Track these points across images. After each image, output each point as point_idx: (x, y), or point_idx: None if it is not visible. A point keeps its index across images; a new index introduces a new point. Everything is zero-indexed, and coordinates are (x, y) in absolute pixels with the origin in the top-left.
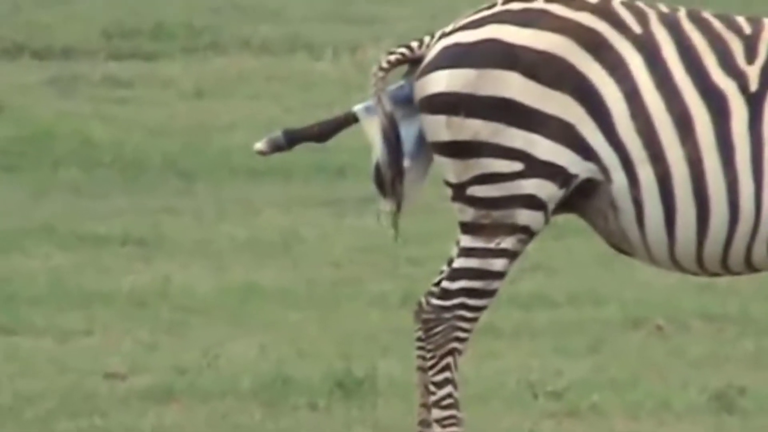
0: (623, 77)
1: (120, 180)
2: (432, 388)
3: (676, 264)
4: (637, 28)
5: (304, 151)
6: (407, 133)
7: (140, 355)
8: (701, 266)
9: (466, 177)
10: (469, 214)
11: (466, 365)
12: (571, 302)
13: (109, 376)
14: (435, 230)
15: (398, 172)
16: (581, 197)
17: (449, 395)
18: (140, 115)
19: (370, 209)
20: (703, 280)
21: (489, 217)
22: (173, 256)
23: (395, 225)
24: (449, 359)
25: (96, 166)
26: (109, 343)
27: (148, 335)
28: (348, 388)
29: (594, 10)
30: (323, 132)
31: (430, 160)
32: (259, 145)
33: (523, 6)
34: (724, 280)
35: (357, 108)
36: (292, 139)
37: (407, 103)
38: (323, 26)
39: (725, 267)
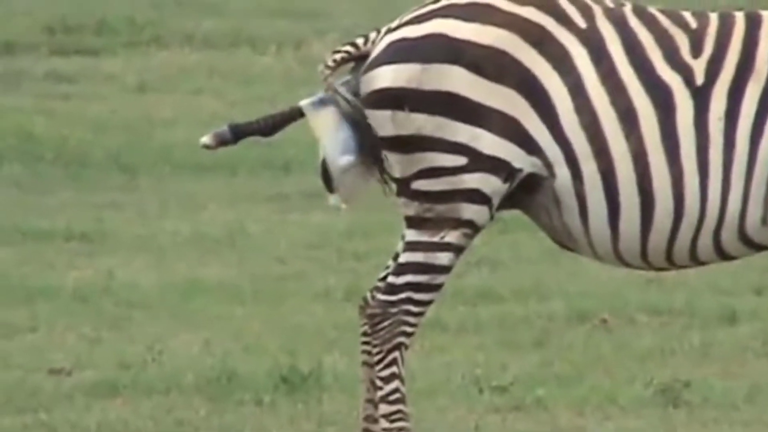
0: (568, 72)
1: (63, 175)
2: (379, 383)
3: (620, 259)
4: (581, 23)
5: (249, 146)
6: (348, 132)
7: (84, 351)
8: (645, 261)
9: (410, 171)
10: (413, 208)
11: (412, 360)
12: (516, 297)
13: (54, 371)
14: (379, 225)
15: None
16: (525, 193)
17: (396, 390)
18: (83, 110)
19: (315, 204)
20: (649, 274)
21: (433, 210)
22: (117, 252)
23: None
24: (395, 354)
25: (39, 161)
26: (53, 338)
27: (92, 331)
28: (293, 383)
29: (538, 4)
30: (269, 126)
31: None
32: (205, 139)
33: (468, 1)
34: (670, 274)
35: (303, 103)
36: (237, 133)
37: (345, 101)
38: (266, 21)
39: (670, 261)
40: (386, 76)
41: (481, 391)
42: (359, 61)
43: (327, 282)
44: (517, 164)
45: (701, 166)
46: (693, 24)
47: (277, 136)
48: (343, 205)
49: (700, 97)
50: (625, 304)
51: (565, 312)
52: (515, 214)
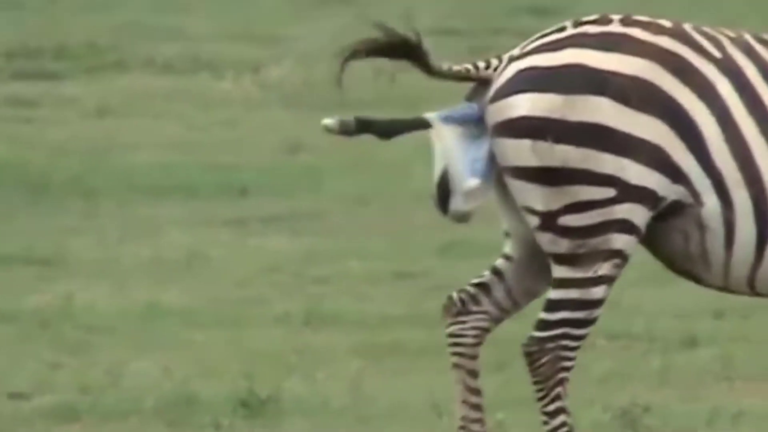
0: (712, 100)
1: (23, 199)
2: (544, 418)
3: (749, 285)
4: (716, 53)
5: (207, 169)
6: (477, 154)
7: (44, 375)
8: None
9: (557, 205)
10: (563, 245)
11: (370, 384)
12: None
13: (13, 396)
14: (337, 249)
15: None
16: (658, 218)
17: (564, 423)
18: (44, 134)
19: (273, 229)
20: (610, 298)
21: (586, 246)
22: (77, 276)
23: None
24: (559, 389)
25: None
26: (13, 362)
27: (52, 355)
28: (252, 407)
29: (673, 34)
30: (391, 130)
31: (493, 182)
32: (329, 122)
33: (600, 30)
34: (629, 298)
35: (431, 115)
36: (362, 126)
37: (475, 124)
38: (225, 45)
39: None
40: (523, 105)
41: (440, 415)
42: (479, 85)
43: (286, 306)
44: (662, 193)
45: None
46: None
47: (235, 160)
48: (462, 221)
49: None
50: None
51: (525, 334)
52: (472, 237)
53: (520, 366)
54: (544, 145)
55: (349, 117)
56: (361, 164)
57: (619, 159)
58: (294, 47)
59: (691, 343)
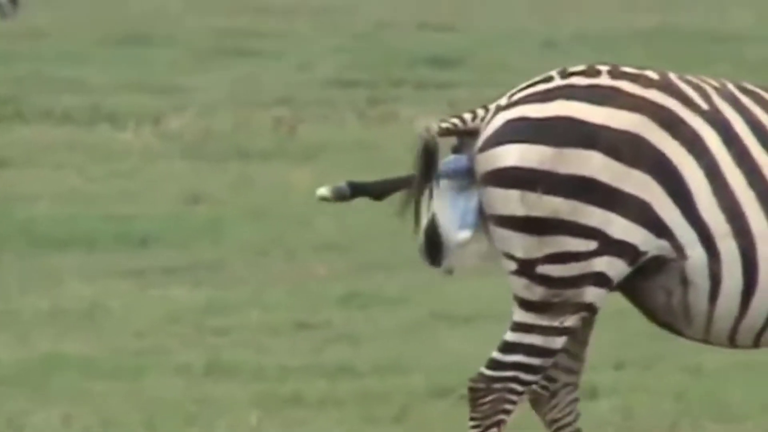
0: (701, 154)
1: None
2: None
3: (729, 339)
4: (704, 104)
5: (106, 220)
6: (467, 206)
7: None
8: (757, 342)
9: (538, 254)
10: (538, 292)
11: None
12: (376, 372)
13: None
14: (237, 300)
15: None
16: (639, 274)
17: None
18: None
19: (173, 279)
20: None
21: (560, 296)
22: None
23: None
24: (494, 430)
25: None
26: None
27: None
28: None
29: (661, 86)
30: (384, 190)
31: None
32: (323, 191)
33: (589, 82)
34: None
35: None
36: (355, 190)
37: (465, 175)
38: (125, 96)
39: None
40: (512, 155)
41: None
42: (466, 136)
43: (187, 356)
44: (643, 248)
45: None
46: None
47: (134, 211)
48: (451, 273)
49: None
50: None
51: (425, 387)
52: (374, 288)
53: (419, 417)
54: (532, 196)
55: (341, 183)
56: (261, 214)
57: (605, 213)
58: (194, 98)
59: (592, 394)
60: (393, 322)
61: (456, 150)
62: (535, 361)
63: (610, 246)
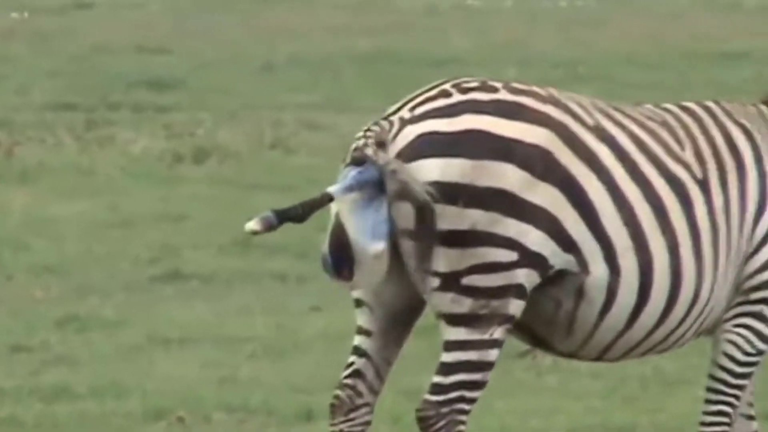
0: (599, 169)
1: None
2: None
3: (603, 352)
4: (589, 120)
5: None
6: (377, 218)
7: None
8: (626, 354)
9: (462, 266)
10: (465, 305)
11: None
12: (93, 394)
13: None
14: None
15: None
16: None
17: None
18: None
19: None
20: (225, 373)
21: (488, 307)
22: None
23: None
24: None
25: None
26: None
27: None
28: None
29: (553, 102)
30: (305, 212)
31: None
32: (252, 225)
33: (492, 97)
34: (246, 372)
35: (332, 189)
36: (281, 218)
37: (371, 187)
38: None
39: (645, 353)
40: (433, 171)
41: None
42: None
43: None
44: (552, 261)
45: (714, 259)
46: (662, 117)
47: None
48: (361, 287)
49: (704, 190)
50: (201, 402)
51: (141, 409)
52: (89, 311)
53: None
54: (453, 209)
55: (267, 213)
56: None
57: (520, 224)
58: None
59: (308, 416)
60: (110, 345)
61: (358, 162)
62: (476, 376)
63: (527, 257)
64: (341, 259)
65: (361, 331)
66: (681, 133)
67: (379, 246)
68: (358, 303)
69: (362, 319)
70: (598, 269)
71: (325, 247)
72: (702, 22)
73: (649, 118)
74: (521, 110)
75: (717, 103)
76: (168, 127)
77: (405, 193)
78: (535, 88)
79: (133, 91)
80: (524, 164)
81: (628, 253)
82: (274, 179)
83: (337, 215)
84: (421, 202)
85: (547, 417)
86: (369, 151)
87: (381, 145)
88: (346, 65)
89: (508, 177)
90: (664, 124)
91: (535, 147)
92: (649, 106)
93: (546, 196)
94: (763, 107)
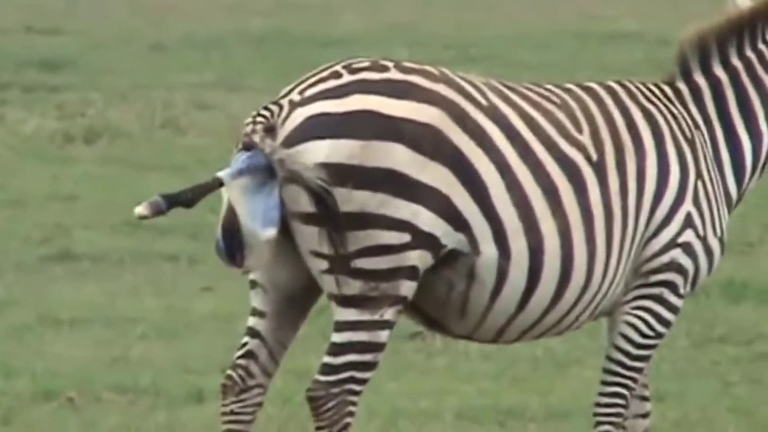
0: (490, 149)
1: None
2: None
3: (498, 335)
4: (481, 99)
5: None
6: (268, 203)
7: None
8: (521, 336)
9: (351, 249)
10: (356, 287)
11: None
12: None
13: None
14: None
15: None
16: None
17: None
18: None
19: None
20: (115, 353)
21: (378, 289)
22: None
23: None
24: None
25: None
26: None
27: None
28: None
29: (445, 81)
30: (194, 197)
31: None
32: (141, 209)
33: (382, 77)
34: (137, 352)
35: (222, 173)
36: (170, 202)
37: (261, 172)
38: None
39: (540, 335)
40: (320, 152)
41: None
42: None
43: None
44: (444, 241)
45: (608, 242)
46: (561, 97)
47: None
48: (252, 272)
49: (599, 172)
50: (92, 383)
51: (30, 390)
52: None
53: (25, 420)
54: (342, 191)
55: (156, 197)
56: None
57: (411, 205)
58: None
59: (199, 398)
60: (0, 326)
61: (247, 147)
62: (366, 357)
63: (420, 239)
64: (234, 244)
65: (256, 312)
66: (579, 115)
67: (271, 232)
68: (253, 284)
69: (257, 300)
70: (489, 250)
71: (218, 232)
72: (593, 2)
73: (547, 99)
74: (411, 89)
75: (620, 83)
76: (59, 107)
77: (296, 180)
78: (428, 67)
79: (23, 71)
80: (413, 144)
81: (518, 235)
82: (164, 159)
83: (229, 200)
84: (315, 189)
85: (438, 398)
86: (257, 138)
87: (269, 130)
88: (238, 45)
89: (397, 157)
90: (563, 104)
91: (425, 126)
92: (549, 86)
93: (436, 175)
94: (666, 88)
